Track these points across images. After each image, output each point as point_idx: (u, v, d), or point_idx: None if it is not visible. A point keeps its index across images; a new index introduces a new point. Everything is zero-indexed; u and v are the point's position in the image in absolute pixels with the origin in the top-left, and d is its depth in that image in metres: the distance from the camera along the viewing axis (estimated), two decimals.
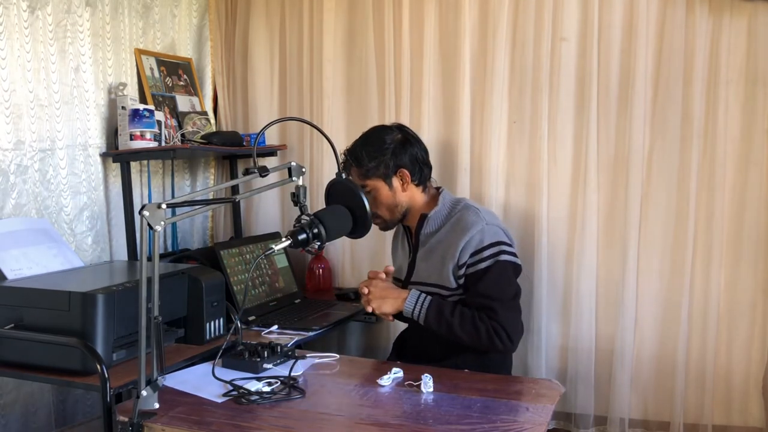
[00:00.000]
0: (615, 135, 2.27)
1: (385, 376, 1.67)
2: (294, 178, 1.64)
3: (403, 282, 2.08)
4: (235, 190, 2.76)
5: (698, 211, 2.20)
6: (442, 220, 2.01)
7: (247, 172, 1.57)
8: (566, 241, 2.35)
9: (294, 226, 1.61)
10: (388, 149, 2.00)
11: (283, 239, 1.58)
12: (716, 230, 2.18)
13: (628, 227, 2.26)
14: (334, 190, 1.73)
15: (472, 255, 1.89)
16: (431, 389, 1.61)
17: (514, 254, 1.95)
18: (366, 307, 1.95)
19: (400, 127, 2.08)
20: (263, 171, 1.57)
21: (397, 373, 1.69)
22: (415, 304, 1.91)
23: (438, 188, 2.11)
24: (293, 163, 1.64)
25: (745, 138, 2.15)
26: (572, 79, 2.30)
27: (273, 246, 1.57)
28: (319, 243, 1.61)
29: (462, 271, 1.91)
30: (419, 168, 2.04)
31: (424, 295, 1.93)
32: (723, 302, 2.20)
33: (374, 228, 2.32)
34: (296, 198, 1.63)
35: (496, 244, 1.90)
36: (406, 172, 2.01)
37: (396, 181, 2.02)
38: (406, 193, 2.03)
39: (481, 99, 2.42)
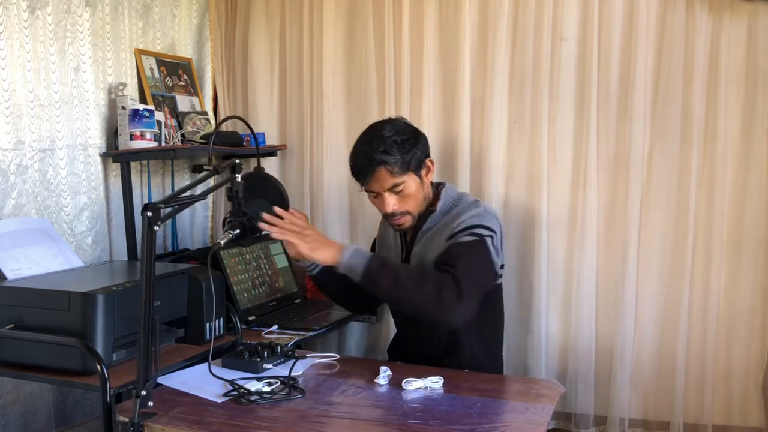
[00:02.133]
0: (615, 135, 2.27)
1: (380, 375, 1.67)
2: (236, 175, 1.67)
3: None
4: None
5: (698, 211, 2.20)
6: (442, 216, 1.95)
7: (199, 170, 1.64)
8: (566, 241, 2.34)
9: (227, 222, 1.70)
10: (412, 140, 1.90)
11: (228, 233, 1.67)
12: (716, 230, 2.18)
13: (628, 227, 2.25)
14: (247, 187, 1.71)
15: (462, 231, 1.83)
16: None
17: (497, 249, 1.87)
18: (292, 248, 1.77)
19: (400, 119, 2.00)
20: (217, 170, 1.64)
21: (386, 371, 1.69)
22: (354, 253, 1.76)
23: (438, 184, 2.04)
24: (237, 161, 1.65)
25: (745, 138, 2.15)
26: (572, 79, 2.30)
27: (221, 241, 1.67)
28: (260, 232, 1.71)
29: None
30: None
31: (366, 249, 1.80)
32: (723, 302, 2.20)
33: (373, 227, 2.34)
34: (233, 193, 1.65)
35: (488, 229, 1.85)
36: (432, 160, 1.97)
37: (423, 172, 1.94)
38: (427, 184, 1.97)
39: (481, 99, 2.42)
